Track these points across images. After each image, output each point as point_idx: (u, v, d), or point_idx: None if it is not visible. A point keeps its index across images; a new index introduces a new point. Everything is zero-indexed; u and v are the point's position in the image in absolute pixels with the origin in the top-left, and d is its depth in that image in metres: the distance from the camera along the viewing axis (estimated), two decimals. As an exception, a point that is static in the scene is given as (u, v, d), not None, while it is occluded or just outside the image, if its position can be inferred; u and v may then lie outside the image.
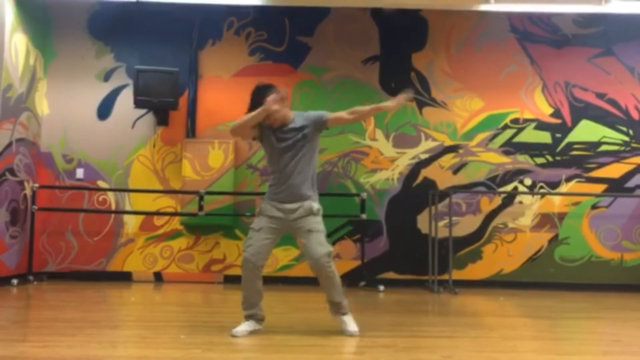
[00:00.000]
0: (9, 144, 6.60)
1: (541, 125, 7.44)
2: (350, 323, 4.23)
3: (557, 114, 7.46)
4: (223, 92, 7.43)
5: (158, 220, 7.30)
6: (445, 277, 6.85)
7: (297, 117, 4.31)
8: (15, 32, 6.67)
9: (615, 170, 7.39)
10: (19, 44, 6.74)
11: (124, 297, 6.26)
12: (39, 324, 4.60)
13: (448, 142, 7.42)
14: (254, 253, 4.13)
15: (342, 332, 4.20)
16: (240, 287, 4.23)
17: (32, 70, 7.06)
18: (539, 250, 7.33)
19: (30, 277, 6.77)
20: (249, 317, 4.22)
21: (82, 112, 7.37)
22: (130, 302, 5.97)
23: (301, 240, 4.22)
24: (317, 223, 4.20)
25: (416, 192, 7.33)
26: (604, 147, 7.42)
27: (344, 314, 4.28)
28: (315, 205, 4.23)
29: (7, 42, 6.49)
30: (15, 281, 6.47)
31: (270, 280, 7.07)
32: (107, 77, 7.42)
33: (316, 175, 4.38)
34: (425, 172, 7.39)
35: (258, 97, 4.23)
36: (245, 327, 4.17)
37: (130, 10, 7.13)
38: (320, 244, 4.12)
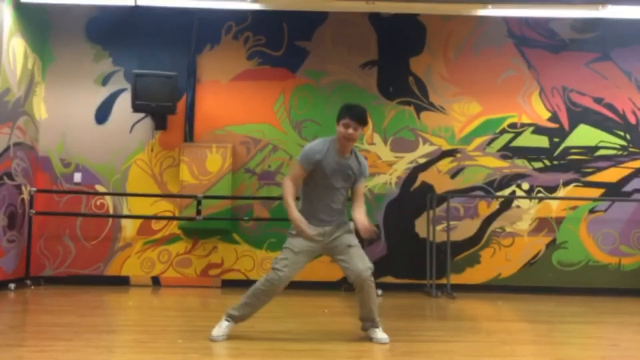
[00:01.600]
0: (7, 148, 6.59)
1: (539, 130, 7.46)
2: (381, 332, 4.22)
3: (554, 118, 7.48)
4: (221, 97, 7.43)
5: (156, 225, 7.29)
6: (443, 281, 6.85)
7: (353, 155, 4.26)
8: (14, 36, 6.67)
9: (612, 175, 7.40)
10: (17, 48, 6.74)
11: (122, 301, 6.24)
12: (37, 328, 4.59)
13: (446, 147, 7.43)
14: (289, 275, 4.08)
15: (370, 339, 4.19)
16: (252, 298, 4.15)
17: (30, 75, 7.06)
18: (536, 255, 7.34)
19: (28, 282, 6.76)
20: (231, 319, 4.18)
21: (80, 116, 7.37)
22: (127, 307, 5.95)
23: (340, 257, 4.17)
24: (354, 239, 4.22)
25: (414, 197, 7.34)
26: (601, 152, 7.44)
27: (376, 327, 4.26)
28: (351, 223, 4.26)
29: (5, 46, 6.49)
30: (12, 285, 6.46)
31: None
32: (105, 82, 7.42)
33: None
34: (423, 177, 7.40)
35: (338, 116, 4.19)
36: (225, 329, 4.14)
37: (128, 14, 7.13)
38: (361, 259, 4.13)
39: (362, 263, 4.10)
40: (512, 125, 7.47)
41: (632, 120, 7.48)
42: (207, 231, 7.21)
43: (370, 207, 7.29)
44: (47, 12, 7.28)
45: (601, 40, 7.50)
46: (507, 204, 7.39)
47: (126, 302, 6.20)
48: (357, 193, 4.28)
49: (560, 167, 7.42)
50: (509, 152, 7.43)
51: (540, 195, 7.38)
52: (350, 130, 4.08)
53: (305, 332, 4.41)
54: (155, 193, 7.29)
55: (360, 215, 4.18)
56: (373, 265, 4.19)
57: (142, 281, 7.21)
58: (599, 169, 7.42)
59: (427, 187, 7.34)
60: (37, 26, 7.17)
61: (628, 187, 7.40)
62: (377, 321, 4.27)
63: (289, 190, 4.13)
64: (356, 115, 4.10)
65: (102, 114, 7.40)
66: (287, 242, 4.17)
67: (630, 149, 7.44)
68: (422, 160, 7.41)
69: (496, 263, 7.32)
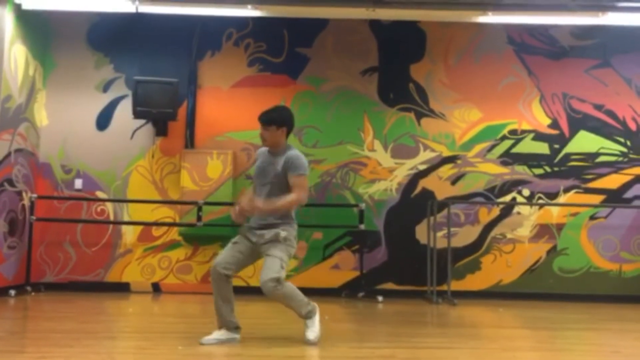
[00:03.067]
0: (8, 155, 6.60)
1: (539, 136, 7.47)
2: (309, 332, 4.25)
3: (555, 125, 7.48)
4: (222, 103, 7.44)
5: (156, 231, 7.29)
6: (444, 287, 6.84)
7: (283, 153, 4.35)
8: (15, 43, 6.69)
9: (613, 181, 7.40)
10: (18, 55, 6.76)
11: (122, 308, 6.24)
12: (37, 335, 4.58)
13: (446, 153, 7.44)
14: (221, 261, 4.23)
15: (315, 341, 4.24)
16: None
17: (31, 81, 7.07)
18: (537, 261, 7.33)
19: (28, 288, 6.75)
20: (221, 326, 4.27)
21: (81, 122, 7.38)
22: (128, 313, 5.95)
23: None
24: (276, 250, 4.21)
25: (415, 203, 7.34)
26: (601, 158, 7.44)
27: (307, 326, 4.31)
28: (283, 233, 4.24)
29: (6, 53, 6.50)
30: (12, 292, 6.44)
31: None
32: (106, 88, 7.44)
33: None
34: (424, 183, 7.40)
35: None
36: (215, 335, 4.23)
37: (129, 21, 7.15)
38: (266, 269, 4.15)
39: (264, 274, 4.15)
40: (513, 132, 7.47)
41: (633, 126, 7.48)
42: (208, 237, 7.21)
43: (370, 213, 7.29)
44: (49, 19, 7.30)
45: (601, 47, 7.51)
46: (507, 210, 7.39)
47: (126, 309, 6.19)
48: (290, 186, 4.29)
49: (561, 174, 7.42)
50: (509, 158, 7.43)
51: (541, 201, 7.38)
52: (261, 131, 4.36)
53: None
54: (156, 199, 7.29)
55: (259, 201, 4.24)
56: (277, 276, 4.14)
57: (142, 287, 7.20)
58: (600, 176, 7.42)
59: (428, 194, 7.34)
60: (39, 33, 7.19)
61: (629, 194, 7.39)
62: (305, 317, 4.31)
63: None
64: (261, 116, 4.38)
65: (103, 120, 7.41)
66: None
67: (631, 156, 7.44)
68: (422, 167, 7.42)
69: (497, 269, 7.31)
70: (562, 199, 7.38)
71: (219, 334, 4.25)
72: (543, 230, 7.36)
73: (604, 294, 7.16)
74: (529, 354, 4.26)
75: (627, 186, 7.40)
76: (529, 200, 7.38)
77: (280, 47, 7.51)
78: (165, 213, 7.30)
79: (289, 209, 4.27)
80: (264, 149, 4.46)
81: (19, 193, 6.85)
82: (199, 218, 6.91)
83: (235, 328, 4.29)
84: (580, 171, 7.42)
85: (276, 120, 4.33)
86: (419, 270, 7.14)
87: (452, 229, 7.00)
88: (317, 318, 4.32)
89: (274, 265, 4.16)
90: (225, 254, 4.27)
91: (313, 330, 4.27)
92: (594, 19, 6.58)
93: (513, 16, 6.69)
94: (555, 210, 7.37)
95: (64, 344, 4.12)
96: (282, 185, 4.26)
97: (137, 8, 6.45)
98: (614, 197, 7.37)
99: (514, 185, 7.40)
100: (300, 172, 4.25)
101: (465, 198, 7.36)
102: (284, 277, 4.19)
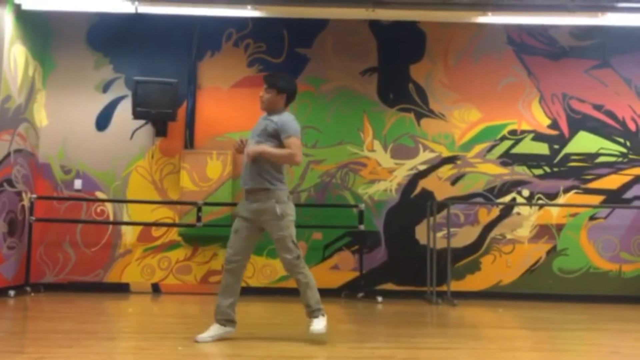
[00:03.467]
0: (7, 155, 6.60)
1: (539, 137, 7.47)
2: (317, 322, 4.29)
3: (554, 125, 7.49)
4: (222, 103, 7.44)
5: (156, 231, 7.29)
6: (444, 288, 6.84)
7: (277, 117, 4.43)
8: (15, 43, 6.69)
9: (612, 182, 7.40)
10: (18, 55, 6.76)
11: (122, 308, 6.24)
12: (36, 335, 4.58)
13: (446, 153, 7.44)
14: (234, 254, 4.34)
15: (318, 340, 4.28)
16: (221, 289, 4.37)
17: (31, 82, 7.07)
18: (537, 262, 7.33)
19: (28, 288, 6.75)
20: (218, 320, 4.35)
21: (80, 123, 7.37)
22: (127, 314, 5.95)
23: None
24: (278, 228, 4.31)
25: (414, 203, 7.34)
26: (601, 159, 7.44)
27: (315, 317, 4.33)
28: (278, 209, 4.28)
29: (6, 53, 6.50)
30: (12, 292, 6.44)
31: (269, 292, 7.10)
32: (105, 88, 7.43)
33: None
34: (424, 183, 7.40)
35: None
36: (210, 333, 4.29)
37: (129, 21, 7.15)
38: (282, 250, 4.32)
39: (281, 255, 4.33)
40: (512, 132, 7.47)
41: (632, 127, 7.48)
42: (208, 238, 7.20)
43: (370, 213, 7.29)
44: (48, 20, 7.29)
45: (601, 48, 7.52)
46: (507, 210, 7.39)
47: (126, 309, 6.19)
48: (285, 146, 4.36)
49: (561, 174, 7.42)
50: (509, 158, 7.44)
51: (540, 202, 7.38)
52: (260, 93, 4.47)
53: (306, 339, 4.40)
54: (156, 200, 7.29)
55: (259, 146, 4.30)
56: (296, 254, 4.33)
57: (142, 288, 7.20)
58: (599, 176, 7.42)
59: (428, 194, 7.34)
60: (39, 33, 7.19)
61: (628, 194, 7.40)
62: (313, 309, 4.32)
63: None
64: (266, 76, 4.53)
65: (103, 120, 7.41)
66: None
67: (630, 156, 7.44)
68: (422, 167, 7.42)
69: (497, 270, 7.31)
70: (561, 199, 7.39)
71: (212, 330, 4.29)
72: (543, 231, 7.36)
73: (604, 295, 7.16)
74: (528, 354, 4.26)
75: (626, 186, 7.40)
76: (529, 200, 7.38)
77: (280, 48, 7.51)
78: (164, 213, 7.29)
79: (282, 160, 4.32)
80: (262, 116, 4.53)
81: (19, 193, 6.85)
82: (199, 218, 6.91)
83: (230, 321, 4.33)
84: (580, 172, 7.42)
85: (278, 84, 4.43)
86: (419, 270, 7.14)
87: (451, 230, 7.00)
88: (324, 319, 4.31)
89: (285, 245, 4.30)
90: (232, 246, 4.36)
91: (319, 323, 4.27)
92: (593, 20, 6.58)
93: (513, 16, 6.69)
94: (555, 211, 7.37)
95: (64, 344, 4.12)
96: (268, 142, 4.32)
97: (136, 8, 6.45)
98: (614, 198, 7.37)
99: (513, 185, 7.40)
100: (290, 134, 4.31)
101: (465, 198, 7.36)
102: (301, 253, 4.38)
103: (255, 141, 4.36)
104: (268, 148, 4.28)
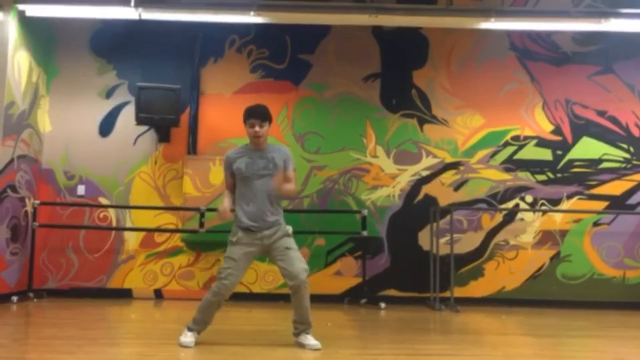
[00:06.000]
0: (11, 161, 6.61)
1: (542, 143, 7.46)
2: (312, 338, 4.32)
3: (557, 131, 7.48)
4: (224, 109, 7.45)
5: (159, 237, 7.28)
6: (447, 294, 6.82)
7: (270, 148, 4.47)
8: (18, 49, 6.71)
9: (616, 188, 7.39)
10: (21, 61, 6.78)
11: (124, 314, 6.23)
12: (39, 341, 4.58)
13: (449, 159, 7.43)
14: (235, 282, 4.30)
15: (302, 346, 4.29)
16: (205, 310, 4.36)
17: (34, 88, 7.09)
18: (540, 268, 7.31)
19: (30, 294, 6.74)
20: (193, 330, 4.38)
21: (83, 129, 7.39)
22: (130, 320, 5.94)
23: (280, 259, 4.32)
24: (292, 242, 4.38)
25: (417, 209, 7.33)
26: (605, 164, 7.43)
27: (308, 333, 4.36)
28: (289, 228, 4.42)
29: (10, 59, 6.52)
30: (15, 298, 6.44)
31: (271, 298, 7.08)
32: (109, 94, 7.45)
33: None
34: (427, 189, 7.39)
35: (243, 121, 4.50)
36: (191, 338, 4.34)
37: (132, 28, 7.16)
38: (299, 260, 4.30)
39: (299, 264, 4.27)
40: (515, 138, 7.47)
41: (636, 133, 7.47)
42: (210, 244, 7.20)
43: (373, 219, 7.28)
44: (52, 26, 7.32)
45: (604, 53, 7.51)
46: (510, 216, 7.37)
47: (129, 315, 6.19)
48: (286, 176, 4.40)
49: (564, 180, 7.41)
50: (512, 164, 7.43)
51: (544, 208, 7.36)
52: (257, 128, 4.36)
53: (308, 346, 4.39)
54: (159, 205, 7.29)
55: (282, 185, 4.32)
56: (307, 267, 4.34)
57: (144, 294, 7.20)
58: (603, 182, 7.40)
59: (431, 200, 7.33)
60: (42, 40, 7.21)
61: (632, 200, 7.38)
62: (310, 325, 4.36)
63: (225, 194, 4.53)
64: (257, 113, 4.42)
65: (106, 126, 7.42)
66: (228, 251, 4.37)
67: (634, 162, 7.43)
68: (425, 173, 7.41)
69: (500, 276, 7.29)
70: (565, 205, 7.37)
71: (193, 336, 4.36)
72: (546, 237, 7.34)
73: (608, 301, 7.14)
74: (532, 361, 4.24)
75: (630, 192, 7.39)
76: (532, 206, 7.36)
77: (282, 54, 7.52)
78: (167, 219, 7.30)
79: (292, 195, 4.40)
80: (237, 151, 4.47)
81: (22, 199, 6.85)
82: (202, 224, 6.91)
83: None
84: (584, 177, 7.41)
85: (269, 116, 4.47)
86: (422, 276, 7.12)
87: (454, 235, 6.98)
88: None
89: (300, 256, 4.34)
90: (234, 274, 4.29)
91: (312, 339, 4.31)
92: (596, 26, 6.58)
93: (515, 22, 6.70)
94: (558, 217, 7.36)
95: (66, 350, 4.11)
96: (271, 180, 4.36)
97: (139, 15, 6.46)
98: (617, 204, 7.35)
99: (516, 191, 7.39)
100: (294, 167, 4.50)
101: (468, 204, 7.34)
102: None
103: (267, 175, 4.33)
104: (288, 187, 4.36)
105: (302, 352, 4.20)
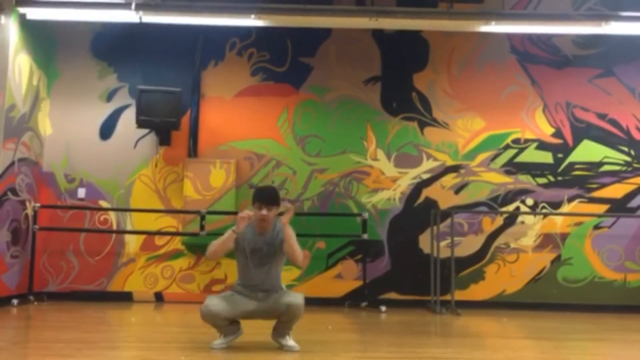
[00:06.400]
0: (11, 164, 6.61)
1: (542, 146, 7.46)
2: (290, 340, 4.33)
3: (558, 134, 7.48)
4: (225, 112, 7.45)
5: (159, 240, 7.28)
6: (448, 297, 6.81)
7: (273, 228, 4.38)
8: (19, 52, 6.72)
9: (617, 191, 7.38)
10: (22, 64, 6.78)
11: (125, 317, 6.22)
12: (39, 344, 4.57)
13: (450, 162, 7.43)
14: (217, 303, 4.22)
15: (284, 348, 4.28)
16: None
17: (35, 91, 7.09)
18: (541, 271, 7.30)
19: (31, 297, 6.74)
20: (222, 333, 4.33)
21: (84, 132, 7.39)
22: (130, 323, 5.94)
23: (278, 308, 4.25)
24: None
25: (418, 212, 7.32)
26: (605, 168, 7.42)
27: (288, 334, 4.36)
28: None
29: (10, 62, 6.52)
30: (15, 301, 6.43)
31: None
32: (109, 97, 7.46)
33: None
34: (427, 192, 7.39)
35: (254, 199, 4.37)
36: (222, 340, 4.31)
37: (133, 31, 7.17)
38: (294, 295, 4.28)
39: (294, 297, 4.23)
40: (516, 141, 7.46)
41: (636, 136, 7.47)
42: (211, 247, 7.18)
43: (373, 222, 7.28)
44: (53, 29, 7.33)
45: (604, 57, 7.51)
46: (511, 219, 7.37)
47: (129, 318, 6.18)
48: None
49: (565, 183, 7.40)
50: (513, 167, 7.42)
51: (544, 211, 7.35)
52: (264, 212, 4.25)
53: (309, 348, 4.38)
54: (159, 208, 7.29)
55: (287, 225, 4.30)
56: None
57: (145, 297, 7.19)
58: (604, 185, 7.40)
59: (431, 203, 7.33)
60: (43, 43, 7.22)
61: (633, 203, 7.37)
62: (288, 333, 4.36)
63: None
64: (266, 198, 4.30)
65: (107, 129, 7.43)
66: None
67: (635, 165, 7.42)
68: (425, 176, 7.41)
69: (501, 279, 7.28)
70: (565, 208, 7.36)
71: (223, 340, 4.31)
72: (547, 240, 7.33)
73: (609, 304, 7.13)
74: (533, 365, 4.23)
75: (631, 195, 7.38)
76: (533, 209, 7.36)
77: (283, 57, 7.53)
78: (168, 222, 7.29)
79: (296, 254, 4.26)
80: (246, 230, 4.33)
81: (23, 202, 6.85)
82: (202, 227, 6.90)
83: (237, 328, 4.36)
84: (584, 180, 7.40)
85: (279, 200, 4.38)
86: (422, 279, 7.11)
87: (455, 239, 6.97)
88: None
89: (293, 292, 4.34)
90: (224, 300, 4.28)
91: (291, 340, 4.33)
92: (596, 29, 6.58)
93: (516, 25, 6.70)
94: (559, 220, 7.35)
95: (66, 353, 4.10)
96: (279, 260, 4.35)
97: (140, 18, 6.46)
98: (618, 207, 7.35)
99: (517, 194, 7.38)
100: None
101: (469, 207, 7.34)
102: None
103: (268, 263, 4.32)
104: (294, 242, 4.27)
105: (303, 356, 4.19)
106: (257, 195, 4.35)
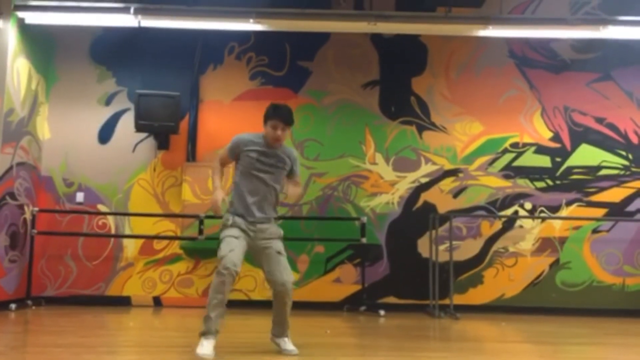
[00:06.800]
0: (10, 168, 6.61)
1: (541, 150, 7.47)
2: (291, 344, 4.31)
3: (556, 138, 7.49)
4: (223, 116, 7.46)
5: (158, 244, 7.28)
6: (447, 301, 6.81)
7: (282, 149, 4.39)
8: (18, 57, 6.72)
9: (615, 195, 7.39)
10: (21, 68, 6.79)
11: (123, 322, 6.21)
12: (37, 349, 4.56)
13: (448, 166, 7.44)
14: (235, 261, 4.04)
15: (283, 352, 4.27)
16: (215, 296, 4.09)
17: (33, 95, 7.09)
18: (540, 275, 7.30)
19: (29, 302, 6.73)
20: (210, 333, 4.12)
21: (83, 136, 7.39)
22: (129, 327, 5.92)
23: (268, 263, 4.22)
24: (282, 246, 4.32)
25: (416, 216, 7.33)
26: (603, 171, 7.43)
27: (286, 336, 4.34)
28: (281, 231, 4.37)
29: (9, 66, 6.53)
30: (13, 306, 6.42)
31: (270, 305, 7.04)
32: (108, 102, 7.46)
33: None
34: (426, 196, 7.39)
35: (265, 117, 4.35)
36: (211, 346, 4.08)
37: (132, 35, 7.19)
38: (286, 269, 4.22)
39: (286, 274, 4.19)
40: (514, 145, 7.47)
41: (634, 140, 7.48)
42: (209, 251, 7.17)
43: (372, 226, 7.28)
44: (52, 33, 7.33)
45: (602, 61, 7.53)
46: (509, 223, 7.37)
47: (127, 323, 6.17)
48: (294, 181, 4.40)
49: (563, 187, 7.41)
50: (511, 171, 7.43)
51: (543, 215, 7.36)
52: (279, 132, 4.23)
53: (307, 353, 4.37)
54: (158, 213, 7.29)
55: (290, 188, 4.33)
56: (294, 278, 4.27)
57: (143, 301, 7.18)
58: (602, 189, 7.41)
59: (430, 207, 7.33)
60: (42, 47, 7.22)
61: (631, 207, 7.38)
62: (288, 328, 4.34)
63: (215, 170, 4.49)
64: (284, 116, 4.25)
65: (105, 133, 7.43)
66: (225, 232, 4.22)
67: (633, 169, 7.43)
68: (424, 180, 7.41)
69: (499, 283, 7.28)
70: (564, 212, 7.37)
71: (211, 343, 4.10)
72: (545, 244, 7.34)
73: (607, 308, 7.13)
74: (532, 369, 4.23)
75: (629, 199, 7.39)
76: (531, 213, 7.36)
77: (282, 61, 7.54)
78: (166, 226, 7.29)
79: (294, 199, 4.38)
80: (251, 137, 4.33)
81: (21, 206, 6.85)
82: (201, 231, 6.90)
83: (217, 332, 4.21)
84: (582, 184, 7.41)
85: (292, 119, 4.37)
86: (421, 284, 7.11)
87: (454, 243, 6.97)
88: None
89: (288, 265, 4.26)
90: (235, 253, 4.08)
91: (291, 344, 4.31)
92: (594, 33, 6.60)
93: (514, 30, 6.72)
94: (557, 224, 7.36)
95: (64, 358, 4.09)
96: (282, 175, 4.35)
97: (139, 22, 6.48)
98: (617, 211, 7.36)
99: (515, 198, 7.39)
100: (299, 171, 4.51)
101: (467, 211, 7.34)
102: None
103: (273, 172, 4.29)
104: (299, 190, 4.43)
105: (301, 360, 4.20)
106: (272, 113, 4.25)
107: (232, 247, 4.08)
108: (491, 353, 4.70)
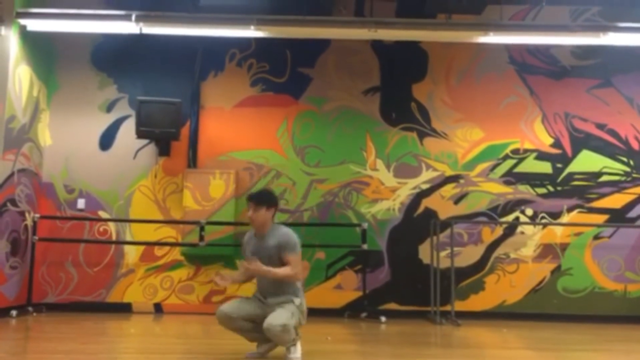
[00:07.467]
0: (11, 175, 6.61)
1: (542, 156, 7.46)
2: (295, 349, 4.26)
3: (557, 144, 7.49)
4: (224, 123, 7.47)
5: (159, 251, 7.27)
6: (448, 308, 6.80)
7: (272, 233, 4.36)
8: (19, 64, 6.74)
9: (616, 201, 7.38)
10: (22, 75, 6.80)
11: (124, 328, 6.20)
12: (38, 356, 4.55)
13: (449, 172, 7.44)
14: (229, 306, 4.23)
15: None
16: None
17: (35, 102, 7.11)
18: (541, 281, 7.29)
19: (30, 308, 6.72)
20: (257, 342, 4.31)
21: (84, 142, 7.40)
22: (129, 334, 5.92)
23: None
24: (291, 307, 4.22)
25: (417, 222, 7.32)
26: (604, 178, 7.43)
27: (293, 344, 4.28)
28: (297, 300, 4.27)
29: (11, 73, 6.54)
30: (14, 312, 6.42)
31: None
32: (109, 108, 7.47)
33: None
34: (427, 202, 7.39)
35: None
36: (261, 349, 4.30)
37: (133, 42, 7.19)
38: (278, 316, 4.09)
39: (273, 318, 4.08)
40: (515, 151, 7.48)
41: (635, 146, 7.48)
42: (210, 257, 7.19)
43: (373, 233, 7.27)
44: (53, 41, 7.35)
45: (602, 67, 7.54)
46: (511, 230, 7.36)
47: (128, 329, 6.16)
48: (287, 260, 4.29)
49: (564, 193, 7.41)
50: (512, 177, 7.43)
51: (544, 221, 7.35)
52: (250, 212, 4.32)
53: (309, 359, 4.38)
54: (159, 219, 7.29)
55: (262, 267, 4.21)
56: (287, 324, 4.10)
57: (144, 308, 7.17)
58: (603, 195, 7.40)
59: (431, 213, 7.33)
60: (43, 54, 7.24)
61: (632, 213, 7.37)
62: (292, 345, 4.30)
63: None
64: (251, 196, 4.38)
65: (106, 140, 7.44)
66: None
67: (634, 175, 7.43)
68: (425, 186, 7.41)
69: (501, 290, 7.26)
70: (565, 218, 7.36)
71: (262, 348, 4.33)
72: (547, 250, 7.33)
73: (609, 315, 7.11)
74: (533, 376, 4.22)
75: (630, 205, 7.38)
76: (532, 219, 7.35)
77: (282, 68, 7.55)
78: (167, 233, 7.29)
79: (285, 280, 4.23)
80: (250, 235, 4.46)
81: (22, 213, 6.85)
82: (202, 238, 6.90)
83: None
84: (584, 191, 7.41)
85: (267, 200, 4.34)
86: (422, 290, 7.10)
87: (455, 249, 6.96)
88: (299, 345, 4.31)
89: (284, 313, 4.13)
90: (231, 303, 4.32)
91: (296, 351, 4.25)
92: (595, 39, 6.61)
93: (514, 36, 6.72)
94: (558, 230, 7.35)
95: (65, 365, 4.09)
96: (274, 257, 4.26)
97: (140, 29, 6.50)
98: (618, 217, 7.35)
99: (517, 204, 7.38)
100: (295, 251, 4.29)
101: (468, 217, 7.34)
102: (294, 325, 4.16)
103: (262, 256, 4.28)
104: (272, 269, 4.22)
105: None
106: (248, 197, 4.44)
107: (235, 301, 4.35)
108: (492, 359, 4.68)
